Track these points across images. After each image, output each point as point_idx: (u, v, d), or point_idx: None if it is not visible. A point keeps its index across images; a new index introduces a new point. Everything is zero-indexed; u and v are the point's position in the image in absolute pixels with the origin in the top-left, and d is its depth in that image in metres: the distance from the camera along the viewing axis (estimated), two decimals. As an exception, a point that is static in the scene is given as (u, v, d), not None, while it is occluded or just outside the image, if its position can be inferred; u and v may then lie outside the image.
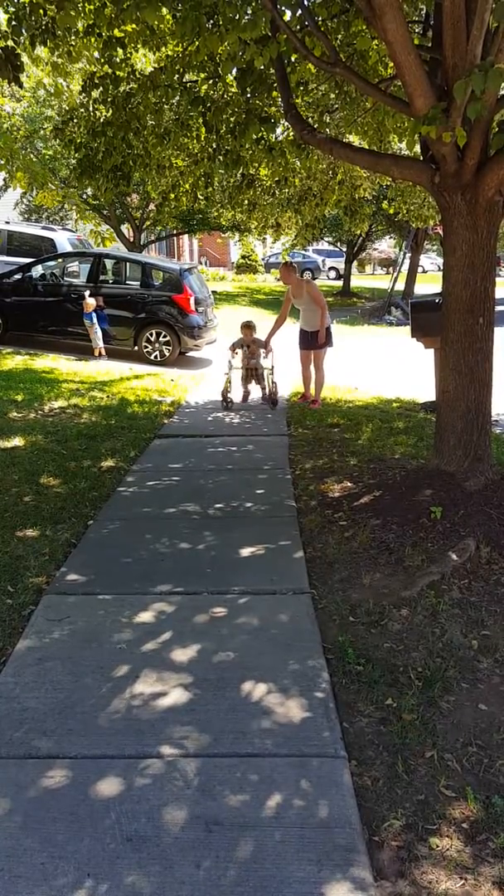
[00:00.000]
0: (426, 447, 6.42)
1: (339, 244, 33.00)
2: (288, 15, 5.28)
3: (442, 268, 5.04)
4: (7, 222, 17.26)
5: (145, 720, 2.80)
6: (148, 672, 3.12)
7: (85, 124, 6.94)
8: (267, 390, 8.90)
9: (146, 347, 12.32)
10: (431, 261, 44.26)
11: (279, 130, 7.86)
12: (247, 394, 9.19)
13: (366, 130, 7.69)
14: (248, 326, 9.05)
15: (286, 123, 6.79)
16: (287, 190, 9.32)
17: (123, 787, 2.46)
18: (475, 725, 2.85)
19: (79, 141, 6.98)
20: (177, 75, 6.39)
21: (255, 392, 9.20)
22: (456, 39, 4.15)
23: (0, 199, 20.38)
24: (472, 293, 4.68)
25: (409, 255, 27.07)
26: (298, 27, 5.41)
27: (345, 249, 32.37)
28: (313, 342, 8.65)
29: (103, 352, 12.06)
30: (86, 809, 2.36)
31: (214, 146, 7.20)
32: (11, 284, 12.56)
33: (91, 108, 6.92)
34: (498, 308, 5.38)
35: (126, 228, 22.36)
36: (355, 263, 36.56)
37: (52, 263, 13.09)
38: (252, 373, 9.11)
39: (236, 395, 8.99)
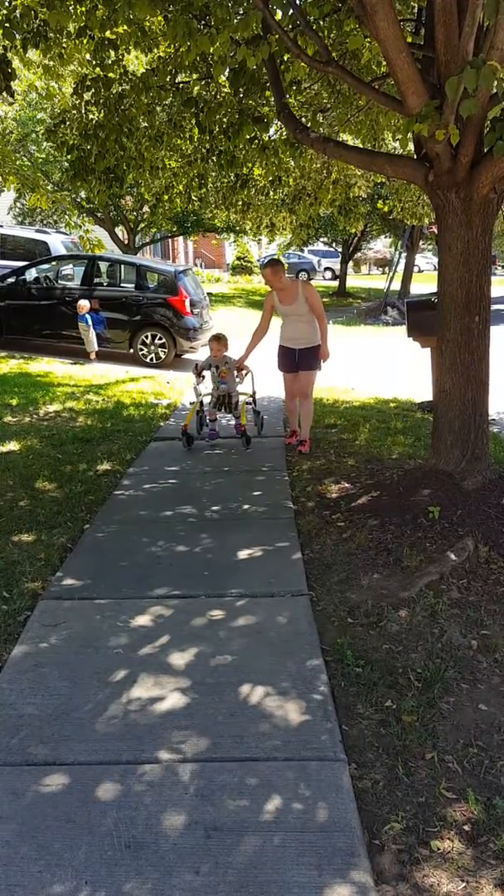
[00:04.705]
0: (424, 447, 6.40)
1: (334, 244, 33.04)
2: (279, 14, 5.26)
3: (437, 267, 5.02)
4: (0, 226, 17.23)
5: (143, 725, 2.78)
6: (145, 676, 3.10)
7: (77, 126, 6.92)
8: (241, 421, 6.88)
9: (142, 350, 12.30)
10: (427, 260, 44.28)
11: (272, 130, 7.86)
12: (214, 433, 7.15)
13: (359, 129, 7.69)
14: (216, 339, 6.99)
15: (279, 123, 6.79)
16: (281, 190, 9.30)
17: (121, 793, 2.43)
18: (475, 726, 2.83)
19: (71, 143, 6.96)
20: (169, 76, 6.38)
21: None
22: (448, 37, 4.13)
23: (-6, 203, 20.40)
24: (467, 291, 4.67)
25: (404, 254, 27.10)
26: (290, 26, 5.39)
27: (340, 250, 32.41)
28: (308, 361, 6.57)
29: (94, 356, 12.00)
30: (83, 816, 2.34)
31: (208, 147, 7.19)
32: (5, 288, 12.53)
33: (83, 111, 6.90)
34: (494, 306, 5.37)
35: (120, 231, 22.34)
36: (351, 264, 36.59)
37: (46, 266, 13.06)
38: (224, 400, 7.07)
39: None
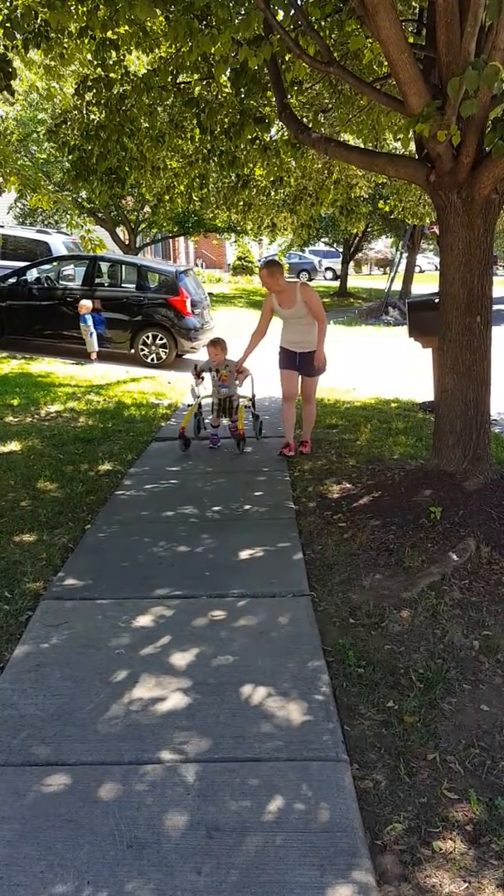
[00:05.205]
0: (425, 447, 6.40)
1: (335, 245, 33.04)
2: (281, 15, 5.26)
3: (438, 267, 5.02)
4: (1, 226, 17.25)
5: (145, 725, 2.78)
6: (147, 677, 3.10)
7: (78, 126, 6.93)
8: (239, 425, 6.79)
9: (143, 350, 12.31)
10: (428, 260, 44.29)
11: (274, 130, 7.87)
12: (217, 438, 7.05)
13: (361, 129, 7.70)
14: (214, 344, 6.86)
15: (281, 123, 6.79)
16: (282, 190, 9.31)
17: (123, 793, 2.43)
18: (477, 727, 2.83)
19: (72, 143, 6.97)
20: (170, 77, 6.38)
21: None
22: (449, 37, 4.13)
23: (-5, 204, 20.39)
24: (469, 291, 4.67)
25: (405, 254, 27.09)
26: (292, 27, 5.40)
27: (341, 250, 32.41)
28: (308, 366, 6.44)
29: (94, 356, 11.99)
30: (85, 816, 2.34)
31: (209, 147, 7.19)
32: (7, 288, 12.54)
33: (84, 111, 6.91)
34: (495, 306, 5.37)
35: (121, 231, 22.36)
36: (352, 264, 36.60)
37: (47, 267, 13.07)
38: (226, 404, 6.92)
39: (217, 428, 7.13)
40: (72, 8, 5.47)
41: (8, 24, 5.52)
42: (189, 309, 12.14)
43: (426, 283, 28.55)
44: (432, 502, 4.59)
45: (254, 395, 7.24)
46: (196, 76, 6.78)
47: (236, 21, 4.94)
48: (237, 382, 6.89)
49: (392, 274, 26.13)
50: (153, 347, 12.28)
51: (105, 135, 6.50)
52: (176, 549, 4.49)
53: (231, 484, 5.83)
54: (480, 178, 4.38)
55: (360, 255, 40.56)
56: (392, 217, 16.01)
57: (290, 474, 6.02)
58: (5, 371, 10.83)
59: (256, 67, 5.45)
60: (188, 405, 7.02)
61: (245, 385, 7.06)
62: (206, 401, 7.20)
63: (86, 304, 11.62)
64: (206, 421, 7.25)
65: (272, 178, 8.16)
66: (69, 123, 7.38)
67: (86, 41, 6.14)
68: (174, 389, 10.01)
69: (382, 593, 3.86)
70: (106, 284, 12.89)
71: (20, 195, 15.36)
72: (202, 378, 6.93)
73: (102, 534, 4.74)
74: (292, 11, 5.06)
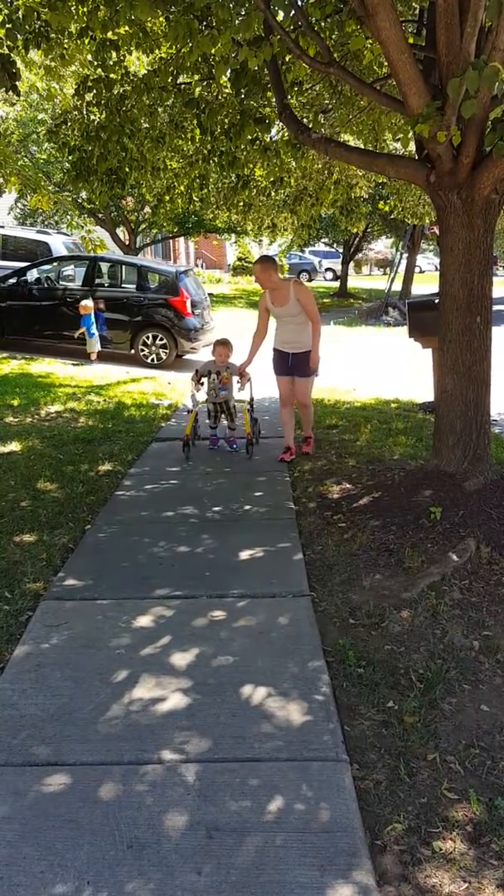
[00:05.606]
0: (425, 448, 6.40)
1: (335, 245, 33.06)
2: (281, 15, 5.26)
3: (439, 267, 5.02)
4: (2, 226, 17.26)
5: (145, 726, 2.78)
6: (147, 677, 3.10)
7: (79, 127, 6.93)
8: (237, 430, 6.85)
9: (143, 351, 12.31)
10: (428, 261, 44.31)
11: (274, 131, 7.87)
12: (216, 439, 7.04)
13: (361, 130, 7.71)
14: (223, 345, 6.77)
15: (281, 124, 6.79)
16: (283, 190, 9.31)
17: (123, 793, 2.43)
18: (477, 727, 2.83)
19: (72, 144, 6.97)
20: (170, 77, 6.38)
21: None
22: (449, 38, 4.14)
23: (-5, 204, 20.39)
24: (469, 292, 4.67)
25: (405, 255, 27.10)
26: (292, 27, 5.40)
27: (341, 250, 32.43)
28: (301, 367, 6.30)
29: (94, 356, 11.99)
30: (85, 816, 2.34)
31: (209, 148, 7.20)
32: (7, 289, 12.54)
33: (85, 111, 6.91)
34: (495, 307, 5.37)
35: (122, 231, 22.37)
36: (352, 264, 36.60)
37: (47, 267, 13.08)
38: (222, 408, 6.85)
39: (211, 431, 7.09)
40: (72, 8, 5.47)
41: (9, 25, 5.52)
42: (189, 309, 12.15)
43: (426, 284, 28.55)
44: (432, 502, 4.59)
45: (252, 398, 7.06)
46: (196, 77, 6.78)
47: (236, 22, 4.94)
48: (239, 387, 6.75)
49: (392, 274, 26.14)
50: (153, 348, 12.28)
51: (105, 135, 6.50)
52: (176, 550, 4.49)
53: (231, 484, 5.83)
54: (480, 178, 4.39)
55: (360, 255, 40.59)
56: (392, 217, 16.02)
57: (290, 475, 6.03)
58: (5, 371, 10.83)
59: (256, 68, 5.45)
60: (188, 412, 6.95)
61: (245, 388, 6.93)
62: (203, 406, 7.08)
63: (86, 305, 11.61)
64: (206, 422, 7.20)
65: (272, 179, 8.16)
66: (69, 124, 7.37)
67: (86, 42, 6.14)
68: (174, 390, 10.02)
69: (382, 593, 3.86)
70: (106, 285, 12.91)
71: (20, 196, 15.39)
72: (202, 383, 6.79)
73: (102, 534, 4.74)
74: (292, 12, 5.06)
